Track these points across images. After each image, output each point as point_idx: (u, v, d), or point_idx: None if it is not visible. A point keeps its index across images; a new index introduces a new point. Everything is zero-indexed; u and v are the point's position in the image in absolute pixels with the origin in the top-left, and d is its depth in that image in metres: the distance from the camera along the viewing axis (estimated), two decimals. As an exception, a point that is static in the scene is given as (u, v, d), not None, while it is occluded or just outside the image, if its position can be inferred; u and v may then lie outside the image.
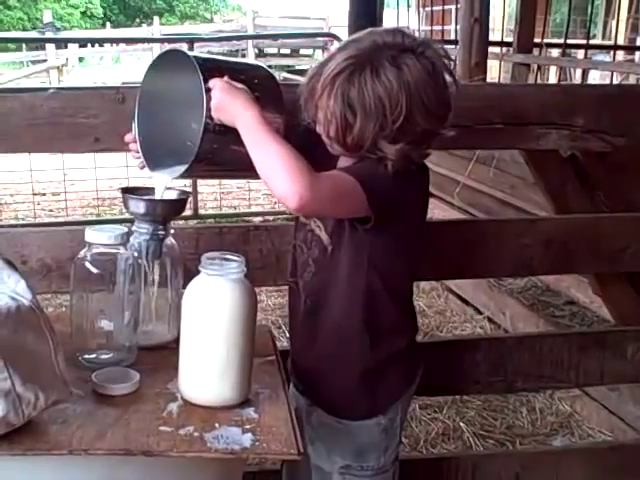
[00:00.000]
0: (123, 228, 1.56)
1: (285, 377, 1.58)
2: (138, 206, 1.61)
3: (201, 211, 6.17)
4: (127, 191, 1.66)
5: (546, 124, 2.08)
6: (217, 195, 6.56)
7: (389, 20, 7.53)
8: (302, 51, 17.60)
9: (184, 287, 1.48)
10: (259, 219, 6.25)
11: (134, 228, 1.65)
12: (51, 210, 6.30)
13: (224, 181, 6.57)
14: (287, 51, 17.29)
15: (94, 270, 1.52)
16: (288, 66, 16.83)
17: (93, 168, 5.84)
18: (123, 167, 5.68)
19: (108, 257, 1.54)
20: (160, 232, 1.64)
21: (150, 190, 1.70)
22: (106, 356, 1.57)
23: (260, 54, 16.55)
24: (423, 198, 1.62)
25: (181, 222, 6.21)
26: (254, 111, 1.43)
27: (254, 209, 6.46)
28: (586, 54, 7.70)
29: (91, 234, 1.52)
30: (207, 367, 1.39)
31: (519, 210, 3.31)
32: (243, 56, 16.23)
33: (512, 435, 3.01)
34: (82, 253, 1.54)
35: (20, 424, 1.23)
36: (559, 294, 4.49)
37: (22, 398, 1.19)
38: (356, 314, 1.57)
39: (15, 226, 5.56)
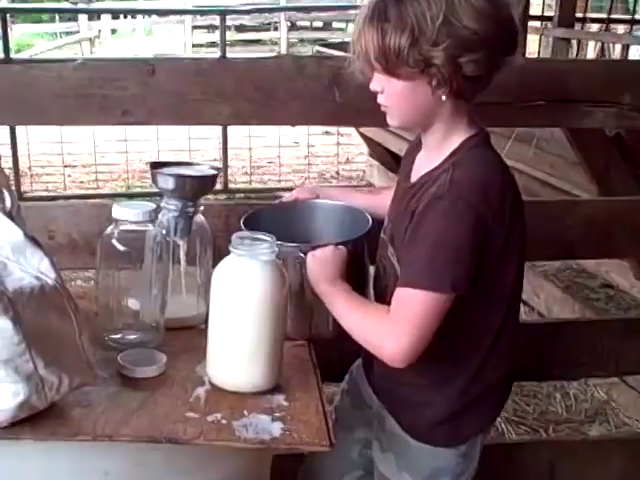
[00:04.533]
0: (151, 204, 1.50)
1: (316, 362, 1.53)
2: (167, 182, 1.56)
3: (231, 185, 6.12)
4: (156, 166, 1.60)
5: (592, 102, 1.99)
6: (247, 169, 6.50)
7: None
8: (334, 24, 17.43)
9: (214, 266, 1.43)
10: (288, 193, 6.18)
11: (162, 204, 1.59)
12: (82, 182, 6.28)
13: (255, 155, 6.51)
14: (320, 24, 17.15)
15: (121, 248, 1.47)
16: (321, 39, 16.66)
17: (124, 140, 5.81)
18: (153, 140, 5.65)
19: (136, 234, 1.48)
20: (189, 209, 1.59)
21: (179, 165, 1.64)
22: (132, 336, 1.53)
23: (292, 27, 16.42)
24: (514, 231, 1.42)
25: (210, 197, 6.20)
26: (332, 287, 1.47)
27: (284, 185, 6.39)
28: (631, 29, 7.50)
29: (119, 210, 1.46)
30: (236, 351, 1.34)
31: (558, 190, 3.21)
32: (275, 29, 16.13)
33: (545, 422, 2.94)
34: (109, 229, 1.49)
35: (43, 407, 1.19)
36: (595, 277, 4.39)
37: (45, 381, 1.15)
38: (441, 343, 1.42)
39: (44, 199, 5.57)
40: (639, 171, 2.32)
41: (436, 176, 1.40)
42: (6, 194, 1.26)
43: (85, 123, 1.90)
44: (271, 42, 16.24)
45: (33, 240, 1.21)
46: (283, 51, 15.68)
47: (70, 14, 14.95)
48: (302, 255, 1.51)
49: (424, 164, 1.48)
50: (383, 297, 1.52)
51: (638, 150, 2.32)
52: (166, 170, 1.59)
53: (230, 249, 1.35)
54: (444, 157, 1.42)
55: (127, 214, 1.46)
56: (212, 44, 15.42)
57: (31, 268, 1.17)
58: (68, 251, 1.87)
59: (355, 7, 14.69)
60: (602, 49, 8.82)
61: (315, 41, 16.41)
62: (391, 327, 1.35)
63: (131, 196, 5.88)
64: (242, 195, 6.02)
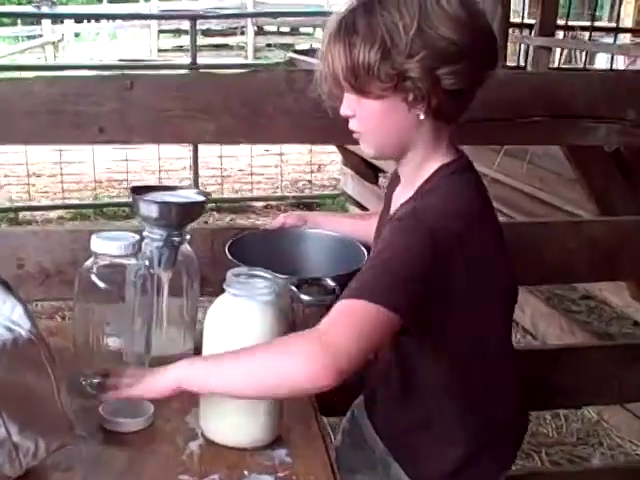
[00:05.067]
0: (134, 236, 1.36)
1: (317, 405, 1.39)
2: (150, 209, 1.42)
3: (202, 195, 5.95)
4: (137, 191, 1.46)
5: (594, 118, 1.89)
6: (218, 179, 6.35)
7: None
8: (302, 29, 17.30)
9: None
10: (262, 204, 6.06)
11: (145, 234, 1.45)
12: (47, 192, 6.08)
13: (225, 164, 6.36)
14: (287, 29, 17.00)
15: (101, 285, 1.33)
16: (288, 45, 16.54)
17: (90, 149, 5.63)
18: (121, 149, 5.48)
19: (117, 269, 1.34)
20: (175, 238, 1.45)
21: (163, 190, 1.50)
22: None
23: (259, 32, 16.25)
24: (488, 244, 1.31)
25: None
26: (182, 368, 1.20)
27: (256, 194, 6.25)
28: (590, 36, 7.50)
29: (98, 243, 1.32)
30: (233, 402, 1.20)
31: (548, 206, 3.12)
32: (242, 33, 15.96)
33: (537, 444, 2.84)
34: (88, 263, 1.34)
35: (17, 475, 1.04)
36: (574, 288, 4.32)
37: (19, 447, 1.00)
38: (446, 382, 1.34)
39: (7, 210, 5.36)
40: (638, 187, 2.22)
41: (406, 207, 1.30)
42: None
43: (58, 142, 1.74)
44: (238, 47, 16.06)
45: (3, 284, 1.07)
46: (250, 56, 15.55)
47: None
48: (293, 289, 1.38)
49: (401, 196, 1.37)
50: None
51: (638, 167, 2.22)
52: (149, 196, 1.45)
53: (225, 288, 1.22)
54: (417, 186, 1.31)
55: (107, 247, 1.32)
56: (179, 48, 15.22)
57: (2, 318, 1.02)
58: (39, 281, 1.73)
59: (323, 13, 14.64)
60: (568, 56, 8.81)
61: (282, 46, 16.33)
62: (312, 339, 1.12)
63: (99, 206, 5.71)
64: (214, 205, 5.87)
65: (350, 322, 1.13)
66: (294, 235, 1.63)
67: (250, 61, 14.65)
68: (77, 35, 17.19)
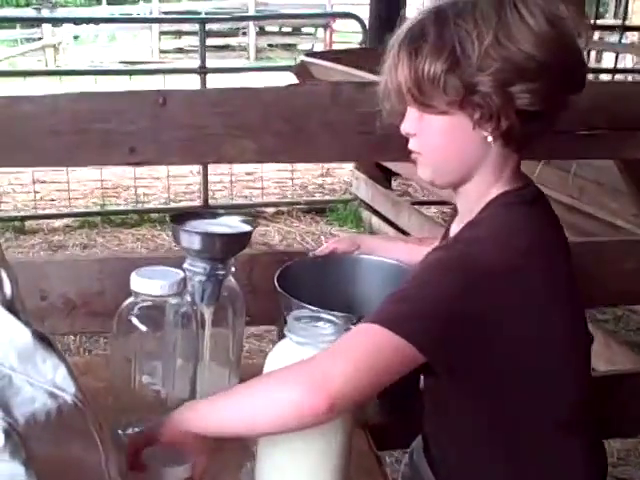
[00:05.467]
0: (178, 272, 1.23)
1: (377, 453, 1.27)
2: (192, 241, 1.28)
3: (211, 201, 5.82)
4: (177, 220, 1.33)
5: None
6: (226, 184, 6.21)
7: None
8: (304, 29, 17.18)
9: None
10: (272, 209, 5.92)
11: (186, 266, 1.32)
12: (52, 200, 5.94)
13: (235, 169, 6.22)
14: (289, 29, 16.87)
15: (142, 328, 1.20)
16: (290, 45, 16.42)
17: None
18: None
19: (159, 309, 1.21)
20: (219, 272, 1.32)
21: (204, 217, 1.37)
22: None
23: (261, 32, 16.12)
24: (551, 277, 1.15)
25: (190, 213, 5.90)
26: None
27: (266, 199, 6.11)
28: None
29: (139, 282, 1.19)
30: (297, 465, 1.07)
31: (588, 217, 2.99)
32: (244, 34, 15.83)
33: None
34: (127, 303, 1.21)
35: None
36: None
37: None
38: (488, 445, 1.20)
39: (13, 219, 5.22)
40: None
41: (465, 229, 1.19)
42: (4, 275, 0.98)
43: (85, 164, 1.62)
44: (240, 48, 15.93)
45: (43, 339, 0.93)
46: (252, 57, 15.43)
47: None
48: (352, 327, 1.25)
49: (457, 224, 1.26)
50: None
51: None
52: (190, 226, 1.31)
53: (286, 333, 1.09)
54: (473, 217, 1.19)
55: (149, 287, 1.18)
56: (179, 50, 15.10)
57: (43, 381, 0.88)
58: (64, 314, 1.59)
59: (326, 15, 14.55)
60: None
61: (284, 46, 16.20)
62: (306, 363, 1.03)
63: (107, 214, 5.56)
64: (223, 212, 5.71)
65: (354, 345, 1.03)
66: (347, 262, 1.50)
67: (253, 63, 14.54)
68: (76, 37, 17.07)
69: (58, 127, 1.49)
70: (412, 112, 1.17)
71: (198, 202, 5.82)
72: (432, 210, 5.72)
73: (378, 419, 1.32)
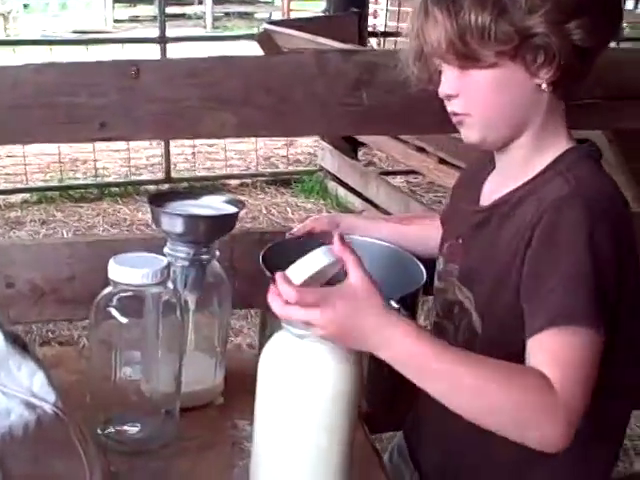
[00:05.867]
0: (160, 259, 1.13)
1: (376, 446, 1.19)
2: (174, 224, 1.18)
3: (173, 174, 5.68)
4: (156, 201, 1.22)
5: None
6: (188, 156, 6.06)
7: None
8: (261, -3, 16.95)
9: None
10: (236, 182, 5.79)
11: (167, 250, 1.22)
12: (8, 174, 5.74)
13: (196, 140, 6.06)
14: (246, -3, 16.58)
15: (123, 320, 1.10)
16: (247, 13, 16.15)
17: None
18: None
19: (141, 299, 1.11)
20: (203, 256, 1.22)
21: (186, 197, 1.27)
22: (135, 430, 1.16)
23: (218, 1, 15.80)
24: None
25: (151, 187, 5.77)
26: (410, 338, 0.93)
27: (229, 171, 5.97)
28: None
29: (118, 271, 1.08)
30: (296, 465, 0.99)
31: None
32: (200, 2, 15.52)
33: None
34: (105, 293, 1.11)
35: None
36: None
37: None
38: None
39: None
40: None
41: (529, 191, 1.09)
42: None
43: (51, 140, 1.50)
44: (196, 16, 15.62)
45: (17, 342, 0.83)
46: (209, 25, 15.14)
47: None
48: None
49: (501, 185, 1.16)
50: None
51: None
52: (171, 207, 1.21)
53: (284, 325, 0.99)
54: (536, 171, 1.10)
55: (130, 276, 1.08)
56: (135, 19, 14.76)
57: (20, 390, 0.79)
58: (32, 302, 1.48)
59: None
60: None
61: (241, 15, 15.93)
62: (552, 397, 0.93)
63: (66, 189, 5.39)
64: (187, 185, 5.59)
65: (580, 363, 0.95)
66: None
67: (210, 32, 14.25)
68: (26, 6, 16.59)
69: (20, 101, 1.36)
70: (451, 71, 1.08)
71: (160, 175, 5.69)
72: (398, 180, 5.65)
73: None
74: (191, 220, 1.18)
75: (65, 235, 4.54)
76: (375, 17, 9.26)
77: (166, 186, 5.57)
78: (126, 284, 1.08)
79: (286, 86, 1.46)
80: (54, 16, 15.07)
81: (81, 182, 5.60)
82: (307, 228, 1.42)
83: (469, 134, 1.13)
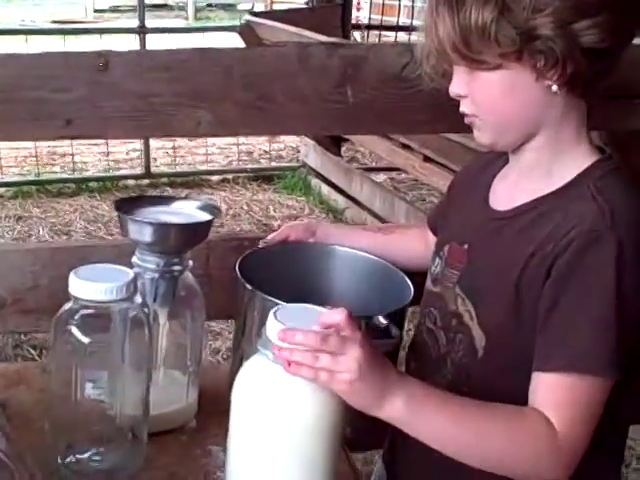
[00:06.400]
0: (126, 272, 1.02)
1: (359, 470, 1.10)
2: (143, 233, 1.09)
3: (153, 169, 5.56)
4: (123, 207, 1.12)
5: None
6: (169, 150, 5.94)
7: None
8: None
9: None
10: (218, 177, 5.68)
11: (135, 260, 1.12)
12: (-19, 169, 5.60)
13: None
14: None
15: (84, 339, 1.00)
16: (230, 5, 15.98)
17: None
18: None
19: (105, 316, 1.01)
20: (174, 267, 1.12)
21: (157, 202, 1.17)
22: (98, 459, 1.06)
23: (201, -9, 15.66)
24: None
25: (130, 182, 5.64)
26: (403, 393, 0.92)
27: (210, 167, 5.86)
28: None
29: (79, 285, 0.98)
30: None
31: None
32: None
33: None
34: (66, 309, 1.01)
35: None
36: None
37: None
38: None
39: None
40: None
41: (552, 206, 1.02)
42: None
43: (12, 138, 1.39)
44: (178, 7, 15.44)
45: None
46: (191, 16, 14.97)
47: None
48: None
49: (517, 189, 1.09)
50: (436, 369, 1.12)
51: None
52: (141, 214, 1.11)
53: (259, 348, 0.90)
54: (560, 182, 1.03)
55: (92, 292, 0.98)
56: (116, 9, 14.56)
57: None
58: (-8, 312, 1.38)
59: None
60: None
61: (224, 6, 15.75)
62: (551, 436, 0.93)
63: (42, 183, 5.25)
64: (167, 180, 5.48)
65: (586, 416, 0.94)
66: (316, 252, 1.32)
67: (192, 23, 14.09)
68: (4, -5, 16.32)
69: (-21, 95, 1.26)
70: (460, 71, 1.03)
71: (139, 170, 5.56)
72: (381, 176, 5.56)
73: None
74: (161, 228, 1.08)
75: (41, 232, 4.42)
76: (358, 10, 9.15)
77: (146, 181, 5.46)
78: (88, 300, 0.98)
79: (266, 81, 1.36)
80: (34, 5, 14.83)
81: (58, 176, 5.46)
82: (282, 235, 1.35)
83: (480, 136, 1.08)
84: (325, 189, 5.20)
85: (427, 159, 4.09)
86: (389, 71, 1.41)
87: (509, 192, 1.10)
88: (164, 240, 1.09)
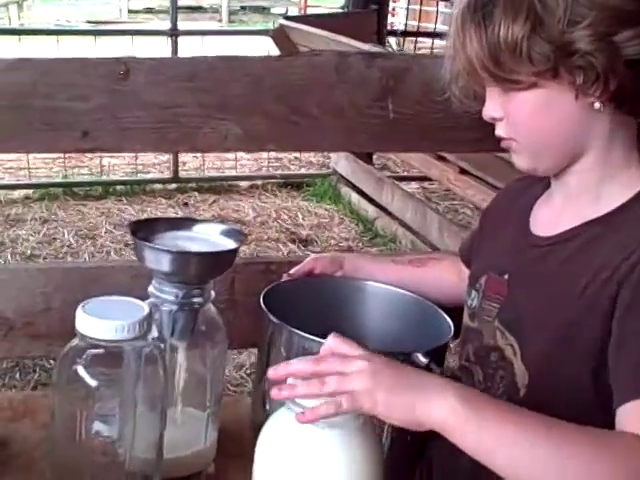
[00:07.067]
0: (141, 306, 0.92)
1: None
2: (160, 261, 0.98)
3: (181, 173, 5.48)
4: (139, 230, 1.02)
5: None
6: (197, 154, 5.85)
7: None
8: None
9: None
10: (247, 183, 5.59)
11: (152, 290, 1.02)
12: (11, 168, 5.55)
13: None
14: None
15: (92, 382, 0.89)
16: (263, 8, 15.96)
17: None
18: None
19: (116, 354, 0.91)
20: (195, 299, 1.02)
21: (172, 225, 1.06)
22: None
23: (232, -6, 15.64)
24: None
25: (159, 186, 5.57)
26: (455, 391, 0.79)
27: (239, 172, 5.77)
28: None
29: (87, 322, 0.88)
30: None
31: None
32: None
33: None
34: (73, 346, 0.91)
35: None
36: None
37: None
38: None
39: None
40: None
41: (605, 229, 0.95)
42: None
43: (24, 149, 1.30)
44: (212, 10, 15.42)
45: None
46: (225, 19, 14.95)
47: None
48: None
49: (561, 216, 1.01)
50: None
51: None
52: (159, 239, 1.01)
53: (289, 406, 0.79)
54: (611, 205, 0.95)
55: (101, 330, 0.88)
56: (150, 10, 14.58)
57: None
58: (0, 335, 1.28)
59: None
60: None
61: (257, 9, 15.73)
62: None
63: (69, 185, 5.19)
64: (195, 185, 5.39)
65: None
66: (345, 287, 1.24)
67: (226, 25, 14.06)
68: (42, -6, 16.46)
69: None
70: (493, 92, 0.97)
71: (167, 174, 5.49)
72: (413, 186, 5.44)
73: None
74: (181, 257, 0.98)
75: (66, 236, 4.35)
76: (393, 15, 9.06)
77: (173, 185, 5.38)
78: (97, 339, 0.88)
79: (300, 93, 1.26)
80: (70, 5, 14.90)
81: (86, 179, 5.40)
82: (307, 268, 1.26)
83: (518, 160, 1.01)
84: (355, 198, 5.08)
85: (463, 171, 3.96)
86: (434, 84, 1.30)
87: (553, 218, 1.03)
88: (184, 270, 0.99)
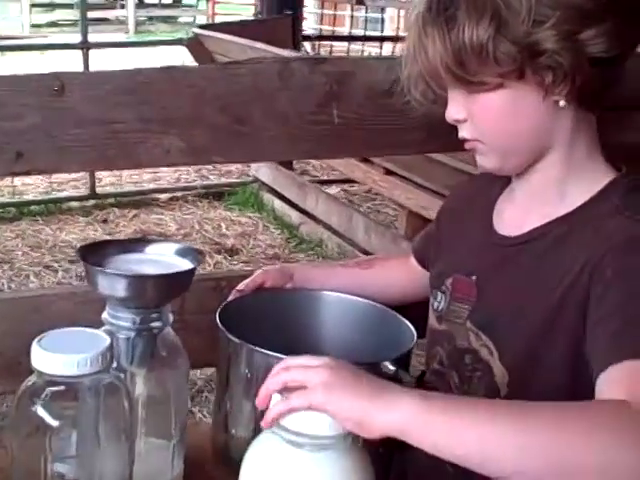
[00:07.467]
0: (101, 337, 0.86)
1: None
2: (115, 287, 0.92)
3: (99, 189, 5.34)
4: (88, 254, 0.96)
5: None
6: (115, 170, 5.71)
7: None
8: (185, 1, 16.50)
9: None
10: (166, 195, 5.49)
11: (106, 317, 0.96)
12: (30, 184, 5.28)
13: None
14: (169, 1, 16.17)
15: (53, 423, 0.83)
16: (170, 17, 15.78)
17: None
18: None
19: (75, 390, 0.85)
20: (154, 323, 0.96)
21: (123, 247, 1.01)
22: None
23: (140, 4, 15.36)
24: None
25: (75, 204, 5.40)
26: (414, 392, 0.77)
27: (159, 185, 5.66)
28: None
29: (43, 357, 0.82)
30: None
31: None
32: (122, 7, 15.07)
33: None
34: (29, 384, 0.84)
35: None
36: None
37: None
38: None
39: None
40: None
41: (575, 225, 0.95)
42: None
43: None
44: (118, 21, 15.15)
45: None
46: (131, 30, 14.70)
47: None
48: None
49: (527, 213, 1.01)
50: None
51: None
52: (111, 263, 0.95)
53: (274, 430, 0.75)
54: (578, 201, 0.96)
55: (59, 366, 0.81)
56: (53, 24, 14.22)
57: None
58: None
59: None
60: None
61: (165, 19, 15.54)
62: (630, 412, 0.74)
63: (54, 201, 4.98)
64: (114, 200, 5.26)
65: None
66: (298, 299, 1.20)
67: (133, 36, 13.82)
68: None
69: None
70: (456, 94, 0.96)
71: (84, 190, 5.33)
72: (334, 189, 5.45)
73: None
74: (137, 281, 0.93)
75: (-20, 262, 4.18)
76: (302, 20, 9.10)
77: (91, 202, 5.23)
78: (57, 375, 0.82)
79: (244, 102, 1.22)
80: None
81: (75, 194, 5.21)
82: (256, 282, 1.22)
83: (484, 162, 1.00)
84: (278, 204, 5.05)
85: (388, 172, 3.97)
86: (377, 87, 1.28)
87: (518, 216, 1.03)
88: (141, 294, 0.93)
